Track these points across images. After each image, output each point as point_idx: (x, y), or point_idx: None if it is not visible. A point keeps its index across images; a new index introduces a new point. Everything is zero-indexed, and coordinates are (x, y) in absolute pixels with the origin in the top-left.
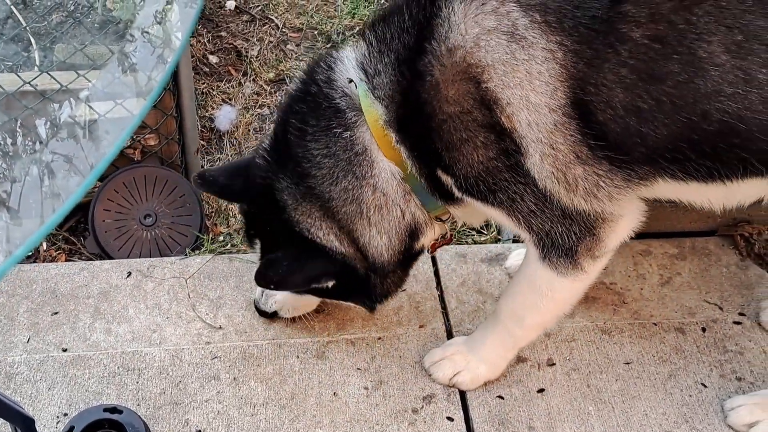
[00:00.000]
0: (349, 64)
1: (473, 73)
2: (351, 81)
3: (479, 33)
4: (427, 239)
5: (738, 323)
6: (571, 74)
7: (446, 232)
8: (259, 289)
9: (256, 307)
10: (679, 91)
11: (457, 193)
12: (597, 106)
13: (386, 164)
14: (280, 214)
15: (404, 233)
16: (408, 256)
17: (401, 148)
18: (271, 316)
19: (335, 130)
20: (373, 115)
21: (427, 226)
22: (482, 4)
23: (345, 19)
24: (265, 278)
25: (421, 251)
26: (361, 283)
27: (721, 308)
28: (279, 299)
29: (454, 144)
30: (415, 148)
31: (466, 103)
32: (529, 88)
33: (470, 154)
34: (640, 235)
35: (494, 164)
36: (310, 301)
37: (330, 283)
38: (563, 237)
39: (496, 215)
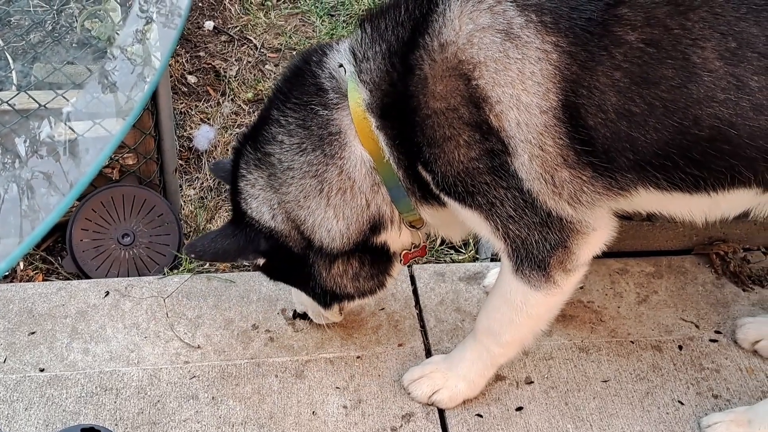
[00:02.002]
0: (343, 51)
1: (464, 70)
2: (341, 66)
3: (473, 30)
4: (391, 238)
5: (714, 341)
6: (565, 76)
7: (419, 242)
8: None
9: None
10: (672, 96)
11: (436, 191)
12: (588, 110)
13: (359, 150)
14: (234, 182)
15: (365, 223)
16: (366, 248)
17: (380, 135)
18: (305, 318)
19: (314, 107)
20: (355, 97)
21: (391, 222)
22: (479, 2)
23: (323, 39)
24: (191, 247)
25: (385, 252)
26: (299, 265)
27: (697, 326)
28: (297, 300)
29: (437, 140)
30: (395, 138)
31: (453, 100)
32: (521, 88)
33: (452, 153)
34: (616, 254)
35: (475, 165)
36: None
37: (260, 261)
38: (537, 247)
39: (473, 219)
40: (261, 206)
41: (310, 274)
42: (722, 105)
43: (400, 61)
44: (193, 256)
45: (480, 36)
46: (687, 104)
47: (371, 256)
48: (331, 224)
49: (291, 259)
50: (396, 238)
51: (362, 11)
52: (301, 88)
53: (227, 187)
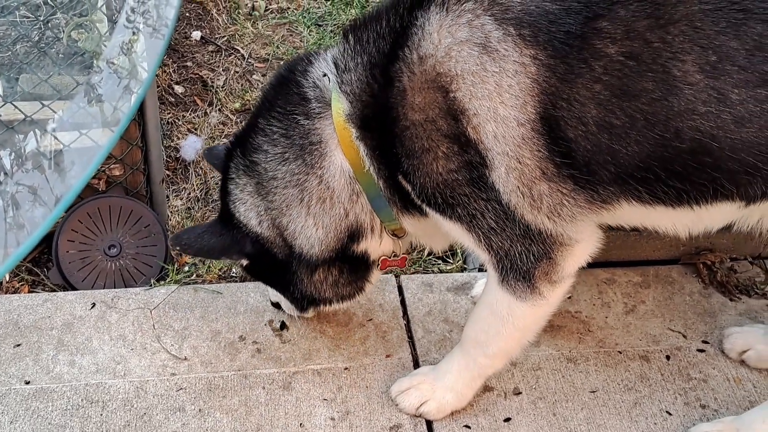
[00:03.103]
0: (327, 60)
1: (442, 83)
2: (325, 75)
3: (451, 43)
4: (371, 246)
5: (702, 351)
6: (543, 88)
7: (400, 252)
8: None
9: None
10: (652, 108)
11: (417, 201)
12: (568, 122)
13: (339, 160)
14: (225, 183)
15: (344, 233)
16: (345, 256)
17: (360, 145)
18: (278, 307)
19: (296, 117)
20: (337, 107)
21: (372, 231)
22: (458, 16)
23: (311, 49)
24: (177, 239)
25: (365, 260)
26: (280, 270)
27: (684, 336)
28: (272, 291)
29: (415, 152)
30: (375, 148)
31: (431, 112)
32: (498, 101)
33: (430, 164)
34: (604, 264)
35: (454, 177)
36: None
37: (243, 261)
38: (521, 258)
39: (455, 231)
40: (249, 211)
41: (291, 279)
42: (703, 118)
43: (380, 73)
44: (178, 248)
45: (458, 49)
46: (668, 117)
47: (351, 264)
48: (311, 232)
49: (274, 263)
50: (377, 246)
51: (349, 21)
52: (285, 98)
53: (217, 175)
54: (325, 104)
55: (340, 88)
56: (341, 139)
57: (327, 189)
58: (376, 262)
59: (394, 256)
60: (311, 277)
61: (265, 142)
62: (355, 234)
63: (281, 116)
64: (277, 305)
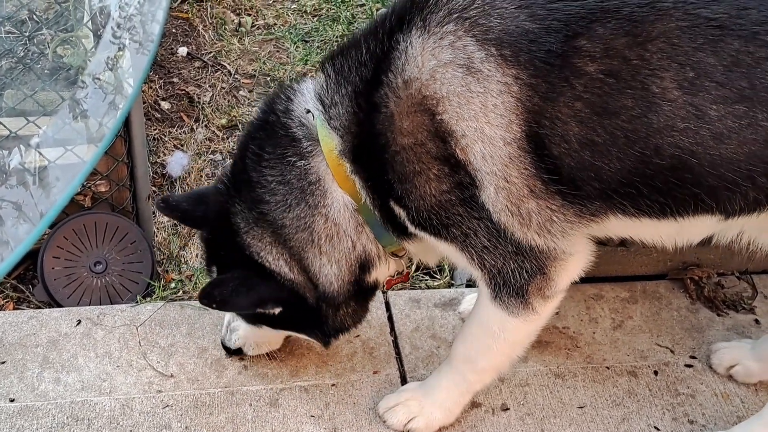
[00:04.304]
0: (307, 95)
1: (428, 105)
2: (309, 111)
3: (435, 66)
4: (380, 273)
5: (689, 366)
6: (527, 107)
7: (403, 269)
8: (224, 324)
9: (222, 343)
10: (632, 126)
11: (410, 227)
12: (552, 140)
13: (339, 195)
14: (234, 237)
15: (354, 264)
16: (360, 288)
17: (355, 178)
18: (236, 353)
19: (290, 159)
20: (328, 144)
21: (379, 259)
22: (440, 39)
23: (297, 65)
24: (210, 297)
25: (375, 286)
26: (312, 312)
27: (672, 351)
28: (241, 335)
29: (407, 176)
30: (369, 179)
31: (420, 135)
32: (484, 121)
33: (423, 187)
34: (591, 279)
35: (447, 197)
36: (273, 338)
37: (276, 310)
38: (515, 275)
39: (449, 251)
40: (277, 260)
41: (321, 318)
42: (682, 134)
43: (365, 101)
44: (214, 306)
45: (442, 71)
46: (648, 134)
47: (365, 292)
48: (327, 270)
49: (304, 307)
50: (385, 271)
51: (336, 37)
52: (274, 142)
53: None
54: (314, 141)
55: (329, 124)
56: (337, 176)
57: (333, 225)
58: (381, 284)
59: (398, 274)
60: (336, 313)
61: (266, 193)
62: (365, 264)
63: (274, 162)
64: (238, 350)
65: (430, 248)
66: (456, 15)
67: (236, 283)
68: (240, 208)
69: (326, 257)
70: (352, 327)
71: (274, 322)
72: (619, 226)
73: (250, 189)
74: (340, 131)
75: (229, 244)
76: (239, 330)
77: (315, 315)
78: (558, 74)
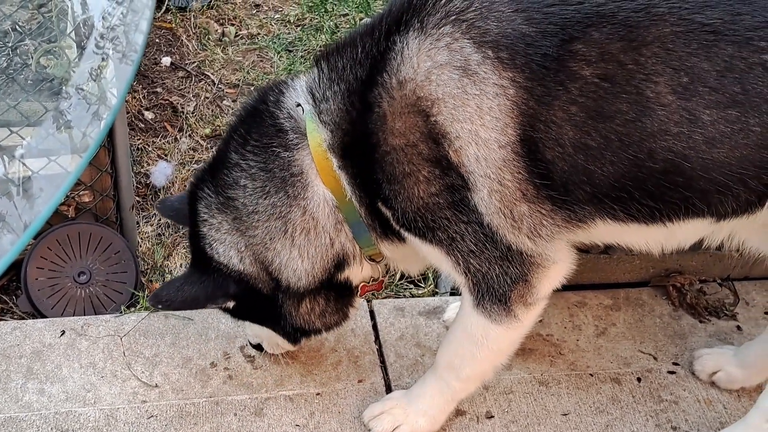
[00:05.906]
0: (299, 90)
1: (422, 106)
2: (299, 105)
3: (431, 67)
4: (353, 273)
5: (672, 373)
6: (522, 111)
7: (378, 276)
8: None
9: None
10: (626, 129)
11: (396, 227)
12: (545, 144)
13: (321, 189)
14: (194, 228)
15: (330, 262)
16: (330, 285)
17: (342, 174)
18: (260, 349)
19: (274, 149)
20: (316, 138)
21: (355, 259)
22: (436, 40)
23: (281, 75)
24: (156, 298)
25: (346, 286)
26: (268, 306)
27: (655, 358)
28: (248, 332)
29: (396, 177)
30: (356, 176)
31: (412, 136)
32: (479, 123)
33: (411, 188)
34: (574, 287)
35: (435, 200)
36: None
37: (230, 304)
38: (498, 280)
39: (434, 255)
40: (228, 250)
41: (280, 313)
42: (675, 138)
43: (359, 100)
44: (160, 306)
45: (438, 73)
46: (641, 138)
47: (335, 292)
48: (297, 264)
49: (260, 300)
50: (358, 272)
51: (320, 47)
52: (260, 130)
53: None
54: (301, 135)
55: (319, 117)
56: (321, 170)
57: (311, 219)
58: (356, 288)
59: (373, 280)
60: (298, 309)
61: (243, 177)
62: (340, 263)
63: (258, 149)
64: (258, 346)
65: (414, 254)
66: (453, 17)
67: (181, 282)
68: (207, 193)
69: (297, 251)
70: (323, 329)
71: (237, 315)
72: (607, 231)
73: (227, 170)
74: (330, 126)
75: (192, 234)
76: (248, 329)
77: (272, 308)
78: (554, 78)
